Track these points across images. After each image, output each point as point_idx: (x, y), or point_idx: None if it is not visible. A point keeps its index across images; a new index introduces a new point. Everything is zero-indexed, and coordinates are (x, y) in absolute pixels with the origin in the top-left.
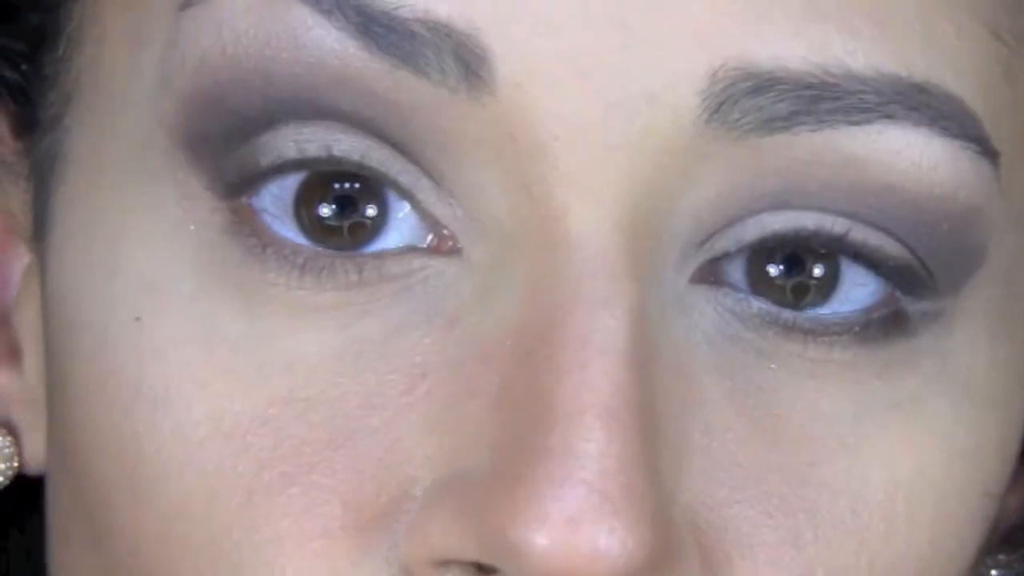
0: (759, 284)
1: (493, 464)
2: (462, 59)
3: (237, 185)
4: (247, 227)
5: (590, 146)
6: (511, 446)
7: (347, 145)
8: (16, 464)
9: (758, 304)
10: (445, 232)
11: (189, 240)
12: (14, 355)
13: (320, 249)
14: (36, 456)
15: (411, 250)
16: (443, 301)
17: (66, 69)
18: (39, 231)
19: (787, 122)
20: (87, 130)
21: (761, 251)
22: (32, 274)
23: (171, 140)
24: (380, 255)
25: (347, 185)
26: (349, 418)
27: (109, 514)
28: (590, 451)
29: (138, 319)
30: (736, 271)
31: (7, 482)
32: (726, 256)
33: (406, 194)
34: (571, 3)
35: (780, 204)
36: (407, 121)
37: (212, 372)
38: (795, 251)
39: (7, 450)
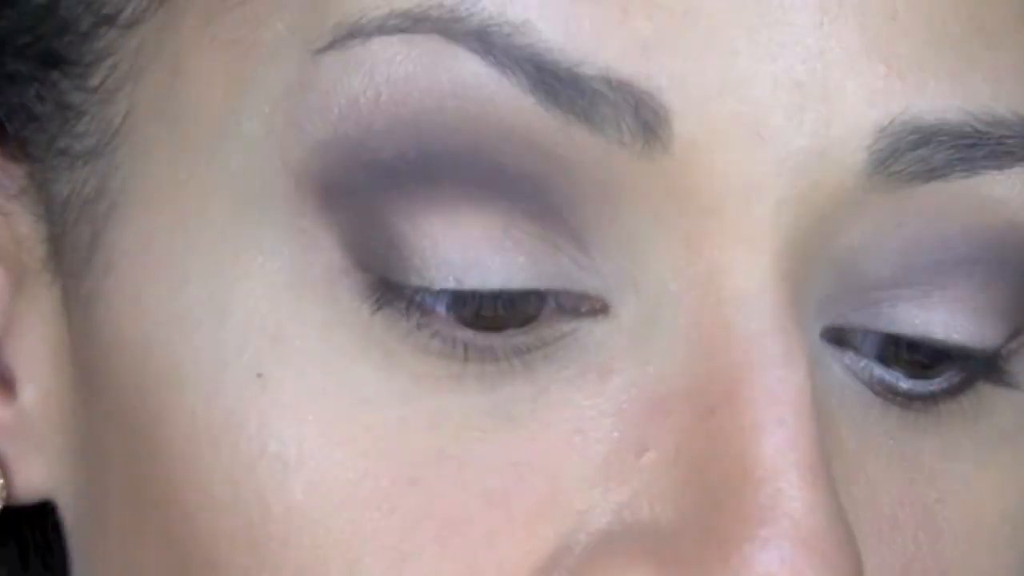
0: (887, 356)
1: (685, 521)
2: (641, 117)
3: (377, 261)
4: (386, 294)
5: (758, 201)
6: (708, 504)
7: (498, 263)
8: (3, 495)
9: (881, 372)
10: (592, 296)
11: (314, 293)
12: (4, 384)
13: (471, 332)
14: (28, 485)
15: (558, 314)
16: (594, 358)
17: (106, 100)
18: (72, 265)
19: (945, 171)
20: (160, 169)
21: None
22: (34, 303)
23: (298, 189)
24: (530, 328)
25: None
26: (503, 476)
27: (215, 571)
28: (799, 509)
29: (260, 375)
30: (864, 341)
31: None
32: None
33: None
34: (749, 61)
35: (909, 279)
36: (570, 175)
37: (349, 431)
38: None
39: None
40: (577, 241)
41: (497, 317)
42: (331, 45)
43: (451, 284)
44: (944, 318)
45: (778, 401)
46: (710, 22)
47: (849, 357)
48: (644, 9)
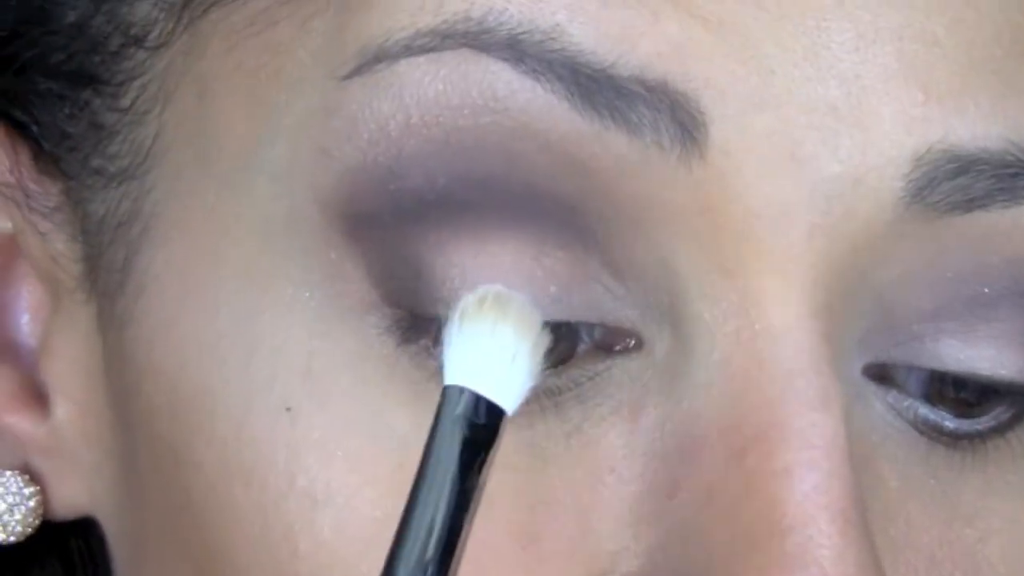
0: (932, 393)
1: (716, 564)
2: (678, 118)
3: (405, 293)
4: (414, 329)
5: (792, 227)
6: (738, 548)
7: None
8: (41, 511)
9: (925, 412)
10: (626, 328)
11: (343, 326)
12: (39, 400)
13: None
14: (65, 501)
15: (592, 352)
16: (627, 394)
17: (137, 121)
18: (107, 285)
19: (986, 200)
20: (190, 194)
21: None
22: (70, 320)
23: (326, 217)
24: (562, 370)
25: None
26: (534, 513)
27: None
28: (828, 557)
29: (289, 409)
30: (908, 378)
31: (32, 531)
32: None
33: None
34: (785, 81)
35: (952, 312)
36: (605, 189)
37: (380, 468)
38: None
39: (32, 500)
40: (611, 267)
41: None
42: (357, 70)
43: None
44: (990, 353)
45: (810, 445)
46: (745, 36)
47: (893, 395)
48: (676, 16)
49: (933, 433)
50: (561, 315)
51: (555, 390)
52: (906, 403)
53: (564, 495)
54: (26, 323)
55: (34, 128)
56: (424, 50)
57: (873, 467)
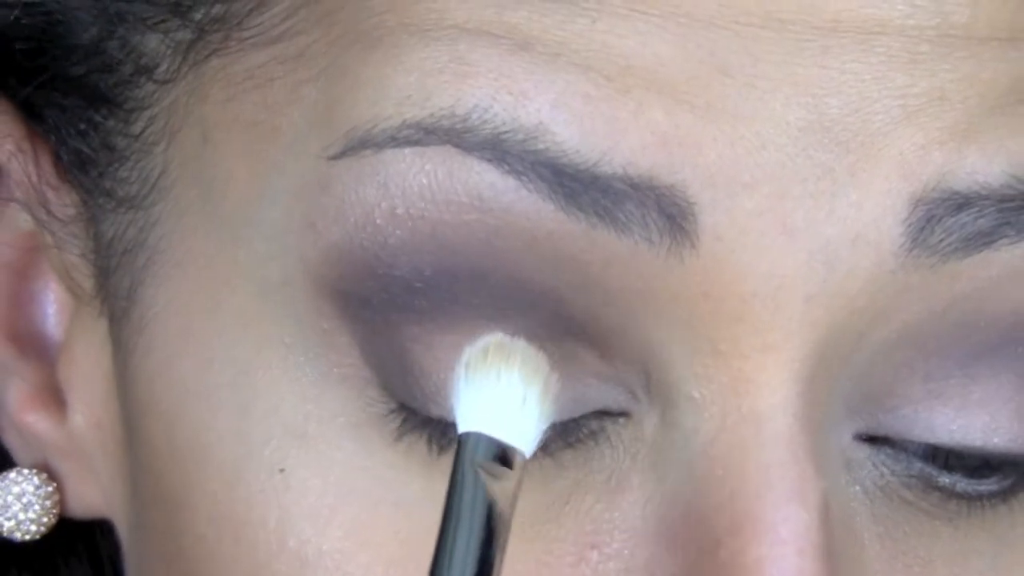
0: (930, 459)
1: None
2: (666, 212)
3: (395, 385)
4: (413, 414)
5: (788, 301)
6: None
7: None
8: (57, 511)
9: (920, 466)
10: (615, 410)
11: (340, 394)
12: (58, 402)
13: None
14: (83, 502)
15: (584, 416)
16: (616, 464)
17: (145, 151)
18: (114, 309)
19: (989, 237)
20: (193, 236)
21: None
22: (88, 331)
23: (317, 289)
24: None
25: None
26: None
27: None
28: None
29: (283, 470)
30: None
31: (47, 530)
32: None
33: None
34: (778, 155)
35: (947, 371)
36: (594, 283)
37: (376, 534)
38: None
39: (49, 500)
40: (599, 350)
41: None
42: (344, 152)
43: None
44: (984, 420)
45: (781, 540)
46: (735, 115)
47: (886, 452)
48: (661, 104)
49: (925, 489)
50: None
51: (552, 447)
52: (900, 457)
53: (547, 569)
54: (52, 315)
55: (53, 139)
56: (409, 142)
57: (856, 537)
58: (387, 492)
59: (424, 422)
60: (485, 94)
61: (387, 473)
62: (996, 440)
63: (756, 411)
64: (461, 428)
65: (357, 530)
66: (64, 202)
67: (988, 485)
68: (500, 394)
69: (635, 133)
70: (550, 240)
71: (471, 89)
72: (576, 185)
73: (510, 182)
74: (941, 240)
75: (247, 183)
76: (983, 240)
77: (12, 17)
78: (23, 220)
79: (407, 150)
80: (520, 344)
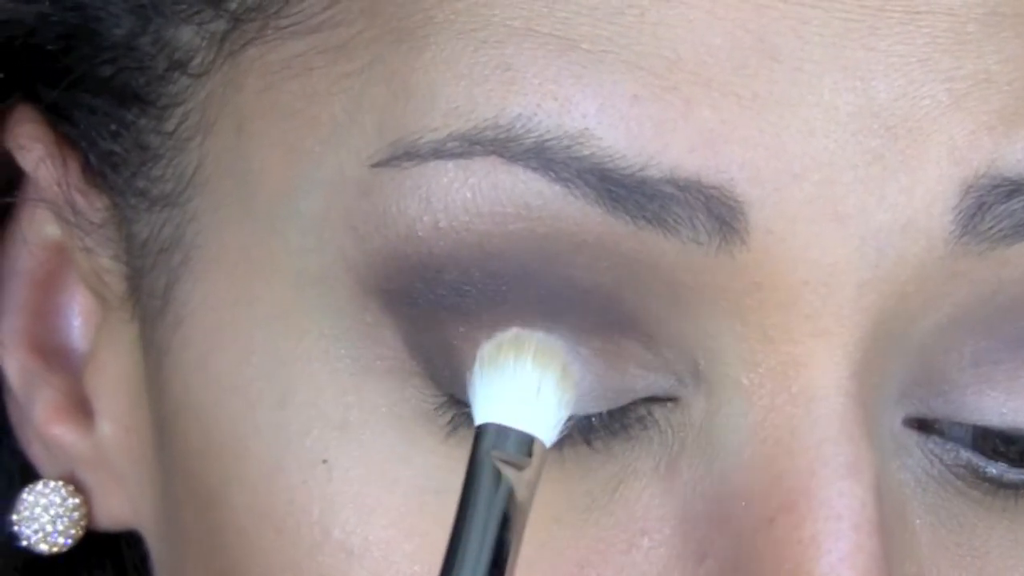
0: (979, 446)
1: None
2: (714, 213)
3: (443, 380)
4: (455, 403)
5: (840, 287)
6: None
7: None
8: (84, 523)
9: (967, 455)
10: (662, 397)
11: (382, 385)
12: (85, 413)
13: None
14: (110, 514)
15: (633, 403)
16: (665, 450)
17: (180, 148)
18: (148, 309)
19: None
20: (226, 232)
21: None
22: (117, 336)
23: (361, 286)
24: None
25: None
26: (579, 570)
27: None
28: None
29: (325, 461)
30: (952, 427)
31: (74, 542)
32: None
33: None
34: (826, 141)
35: (997, 356)
36: (643, 280)
37: (421, 523)
38: None
39: (77, 512)
40: (648, 342)
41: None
42: (387, 162)
43: None
44: None
45: (837, 515)
46: (781, 103)
47: (934, 441)
48: (709, 99)
49: (973, 479)
50: (598, 406)
51: (607, 431)
52: (948, 446)
53: (597, 556)
54: (78, 327)
55: (82, 143)
56: (453, 155)
57: (907, 522)
58: (430, 481)
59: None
60: (530, 102)
61: (431, 461)
62: None
63: (807, 392)
64: (478, 420)
65: (403, 519)
66: (94, 206)
67: None
68: (514, 384)
69: (682, 134)
70: (599, 242)
71: (516, 98)
72: (622, 190)
73: (557, 189)
74: (991, 227)
75: (283, 173)
76: None
77: (43, 15)
78: (50, 229)
79: (450, 163)
80: (535, 335)
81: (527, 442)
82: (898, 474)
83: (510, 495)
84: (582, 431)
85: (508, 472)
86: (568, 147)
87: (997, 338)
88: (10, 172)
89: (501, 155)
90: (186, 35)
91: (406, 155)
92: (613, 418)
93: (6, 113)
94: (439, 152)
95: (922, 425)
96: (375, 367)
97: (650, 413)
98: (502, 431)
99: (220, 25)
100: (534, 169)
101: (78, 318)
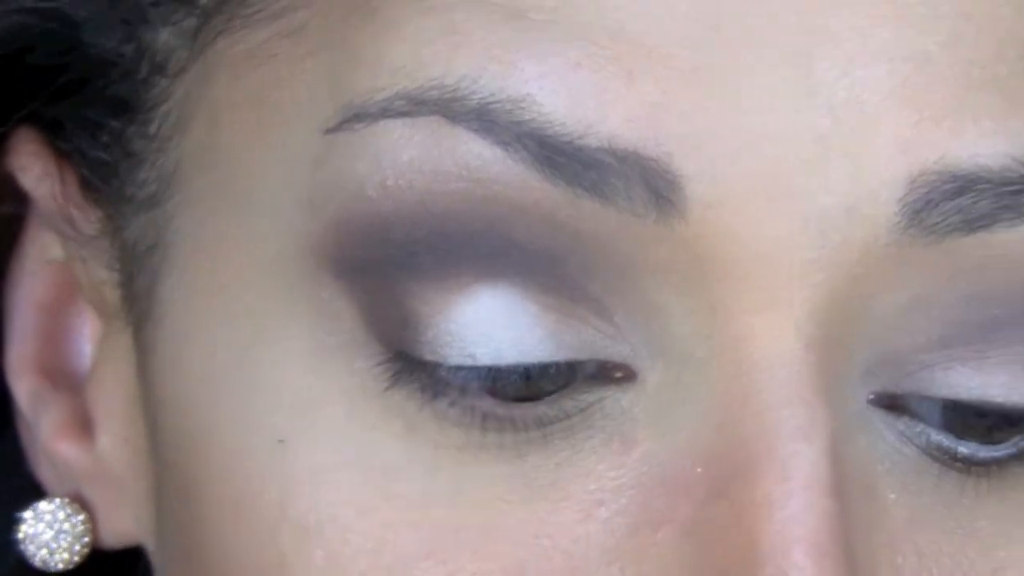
0: (949, 422)
1: None
2: (651, 185)
3: (393, 337)
4: (406, 371)
5: (783, 264)
6: None
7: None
8: (88, 540)
9: (939, 438)
10: (618, 362)
11: (338, 363)
12: (85, 428)
13: (490, 401)
14: (115, 530)
15: (586, 383)
16: (618, 426)
17: (161, 148)
18: (136, 313)
19: (989, 220)
20: (200, 225)
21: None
22: (114, 347)
23: (317, 261)
24: (552, 400)
25: None
26: (521, 547)
27: None
28: None
29: (282, 441)
30: (922, 406)
31: (82, 560)
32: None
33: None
34: (766, 117)
35: (964, 338)
36: (587, 248)
37: (370, 500)
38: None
39: (81, 527)
40: (600, 309)
41: (516, 389)
42: (339, 126)
43: (467, 361)
44: (1004, 379)
45: (789, 476)
46: (723, 78)
47: (904, 422)
48: (650, 70)
49: (946, 459)
50: (549, 357)
51: (545, 420)
52: (918, 429)
53: (552, 529)
54: (85, 347)
55: (77, 157)
56: (400, 114)
57: (877, 494)
58: (377, 458)
59: (416, 367)
60: (475, 64)
61: (377, 438)
62: (1016, 398)
63: (760, 360)
64: None
65: (353, 496)
66: (89, 219)
67: (1007, 448)
68: None
69: (622, 105)
70: (538, 208)
71: (462, 59)
72: (560, 158)
73: (497, 152)
74: (938, 222)
75: (250, 163)
76: (981, 223)
77: (29, 28)
78: (55, 252)
79: (398, 121)
80: None
81: None
82: (868, 452)
83: None
84: (536, 418)
85: None
86: (510, 111)
87: (960, 323)
88: (16, 197)
89: (445, 115)
90: (163, 37)
91: (356, 117)
92: (565, 399)
93: (7, 136)
94: (387, 111)
95: (890, 405)
96: (330, 343)
97: (602, 398)
98: None
99: (192, 22)
100: (476, 131)
101: (86, 340)
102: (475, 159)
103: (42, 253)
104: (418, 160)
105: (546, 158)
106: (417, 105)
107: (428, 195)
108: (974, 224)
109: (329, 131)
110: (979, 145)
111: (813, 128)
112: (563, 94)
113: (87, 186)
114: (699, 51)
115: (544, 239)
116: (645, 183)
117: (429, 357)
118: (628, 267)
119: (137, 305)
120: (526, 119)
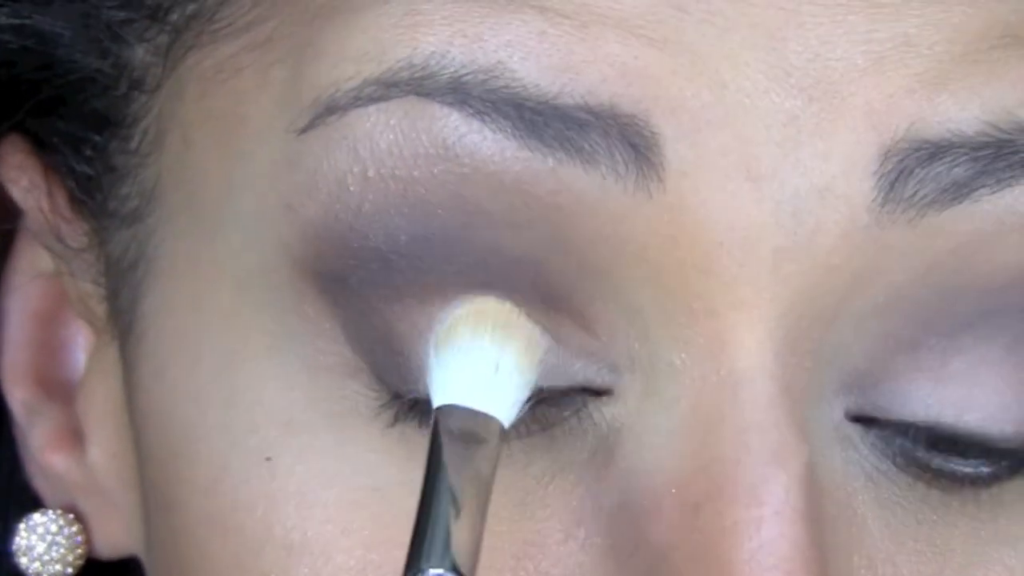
0: (923, 438)
1: None
2: (630, 141)
3: (385, 389)
4: (397, 399)
5: (756, 252)
6: None
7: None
8: (82, 551)
9: (911, 450)
10: (597, 381)
11: (326, 383)
12: (76, 439)
13: None
14: (108, 541)
15: (565, 393)
16: (600, 441)
17: (141, 164)
18: (121, 327)
19: (967, 188)
20: (179, 239)
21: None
22: (102, 359)
23: (298, 272)
24: (540, 412)
25: None
26: (504, 568)
27: None
28: None
29: (269, 459)
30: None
31: (75, 571)
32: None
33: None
34: (738, 95)
35: (930, 344)
36: (566, 234)
37: (356, 520)
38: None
39: (74, 539)
40: (581, 320)
41: None
42: (312, 123)
43: None
44: (957, 397)
45: (760, 502)
46: (693, 51)
47: (874, 435)
48: (619, 38)
49: (924, 475)
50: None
51: (541, 423)
52: (896, 443)
53: (535, 548)
54: (78, 358)
55: (64, 169)
56: (372, 100)
57: (855, 515)
58: (368, 477)
59: (412, 405)
60: (441, 40)
61: (368, 458)
62: (967, 419)
63: (733, 375)
64: (436, 403)
65: (340, 515)
66: (75, 234)
67: (983, 465)
68: (470, 363)
69: (593, 66)
70: (517, 184)
71: (427, 37)
72: (538, 119)
73: (473, 124)
74: (915, 192)
75: (222, 177)
76: (960, 192)
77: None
78: (46, 263)
79: (371, 108)
80: (492, 307)
81: (485, 421)
82: (844, 468)
83: (472, 473)
84: (515, 425)
85: (465, 452)
86: (483, 80)
87: (933, 325)
88: (9, 208)
89: (418, 93)
90: (139, 54)
91: (327, 110)
92: (549, 408)
93: None
94: (359, 99)
95: (864, 418)
96: (318, 362)
97: (585, 405)
98: (458, 412)
99: (164, 39)
100: (450, 104)
101: (80, 349)
102: (452, 133)
103: (33, 265)
104: (396, 144)
105: (523, 121)
106: (388, 88)
107: (410, 183)
108: (953, 193)
109: (302, 130)
110: (952, 111)
111: (784, 109)
112: (533, 60)
113: (74, 199)
114: (666, 26)
115: (523, 230)
116: (624, 138)
117: (423, 391)
118: (606, 261)
119: (122, 319)
120: (500, 86)
